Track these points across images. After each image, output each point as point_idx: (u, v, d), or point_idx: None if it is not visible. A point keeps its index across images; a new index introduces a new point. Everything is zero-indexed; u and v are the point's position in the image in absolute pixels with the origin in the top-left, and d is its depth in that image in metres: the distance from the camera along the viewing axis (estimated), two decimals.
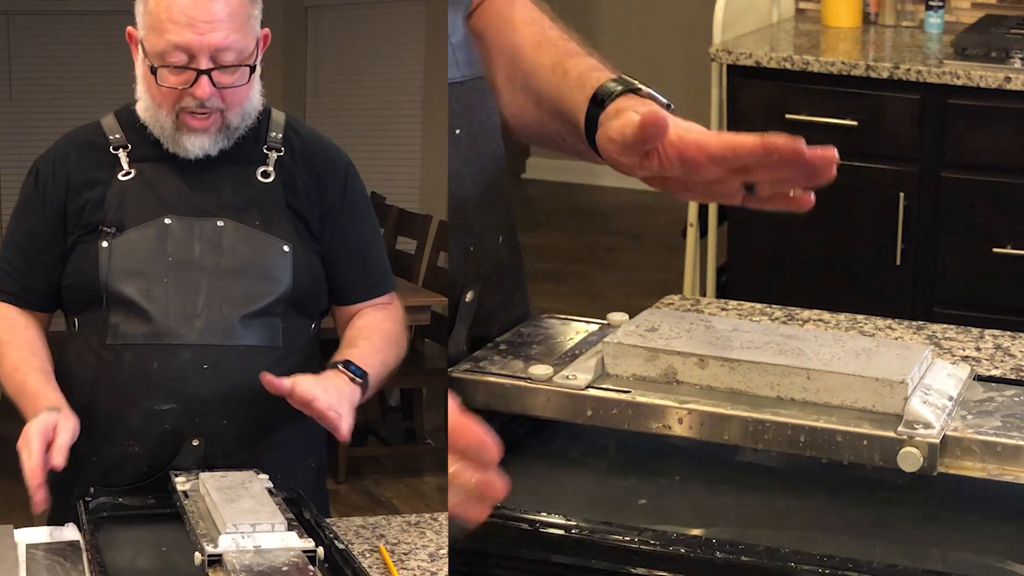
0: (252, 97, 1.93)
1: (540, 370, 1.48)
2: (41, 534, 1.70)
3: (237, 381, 1.88)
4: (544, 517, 1.36)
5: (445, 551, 1.70)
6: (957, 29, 4.34)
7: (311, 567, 1.52)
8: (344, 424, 1.79)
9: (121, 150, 1.93)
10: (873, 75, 4.06)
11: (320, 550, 1.56)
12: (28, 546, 1.65)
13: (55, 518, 1.97)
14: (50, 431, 1.76)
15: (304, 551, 1.55)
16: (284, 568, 1.51)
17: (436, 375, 4.88)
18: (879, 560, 1.30)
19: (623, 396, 1.45)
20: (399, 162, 6.40)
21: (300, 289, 1.93)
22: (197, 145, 1.89)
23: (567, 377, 1.47)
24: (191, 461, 1.85)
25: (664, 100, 1.60)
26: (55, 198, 1.94)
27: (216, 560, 1.54)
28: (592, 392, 1.46)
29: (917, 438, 1.35)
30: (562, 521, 1.35)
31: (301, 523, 1.74)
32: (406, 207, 5.69)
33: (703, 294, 4.40)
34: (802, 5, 4.75)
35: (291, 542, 1.56)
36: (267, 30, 1.95)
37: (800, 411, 1.40)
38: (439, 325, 4.82)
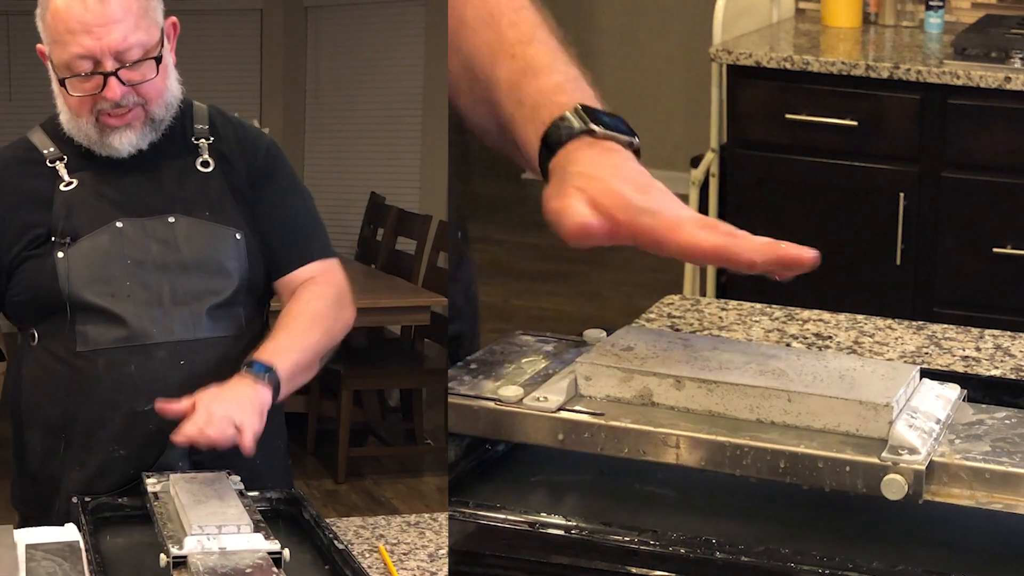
0: (170, 87, 1.94)
1: (510, 391, 1.43)
2: (41, 534, 1.70)
3: (212, 373, 1.89)
4: (544, 517, 1.36)
5: (445, 551, 1.70)
6: (957, 29, 4.34)
7: (275, 569, 1.52)
8: (247, 435, 1.78)
9: (58, 162, 1.94)
10: (873, 75, 4.06)
11: (286, 552, 1.57)
12: (28, 546, 1.65)
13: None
14: None
15: (269, 552, 1.55)
16: (248, 570, 1.51)
17: (436, 375, 4.88)
18: (879, 560, 1.29)
19: (595, 419, 1.40)
20: (399, 162, 6.39)
21: (254, 274, 1.95)
22: (125, 142, 1.90)
23: (538, 399, 1.42)
24: (177, 457, 1.86)
25: (625, 137, 1.42)
26: None
27: (181, 562, 1.54)
28: (563, 415, 1.41)
29: (902, 464, 1.30)
30: (562, 521, 1.35)
31: (300, 524, 1.74)
32: (406, 207, 5.69)
33: (703, 294, 4.40)
34: (802, 5, 4.74)
35: (256, 544, 1.56)
36: (174, 19, 1.95)
37: (780, 435, 1.36)
38: (439, 325, 4.82)
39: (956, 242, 4.09)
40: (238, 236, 1.93)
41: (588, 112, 1.43)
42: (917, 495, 1.30)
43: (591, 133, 1.41)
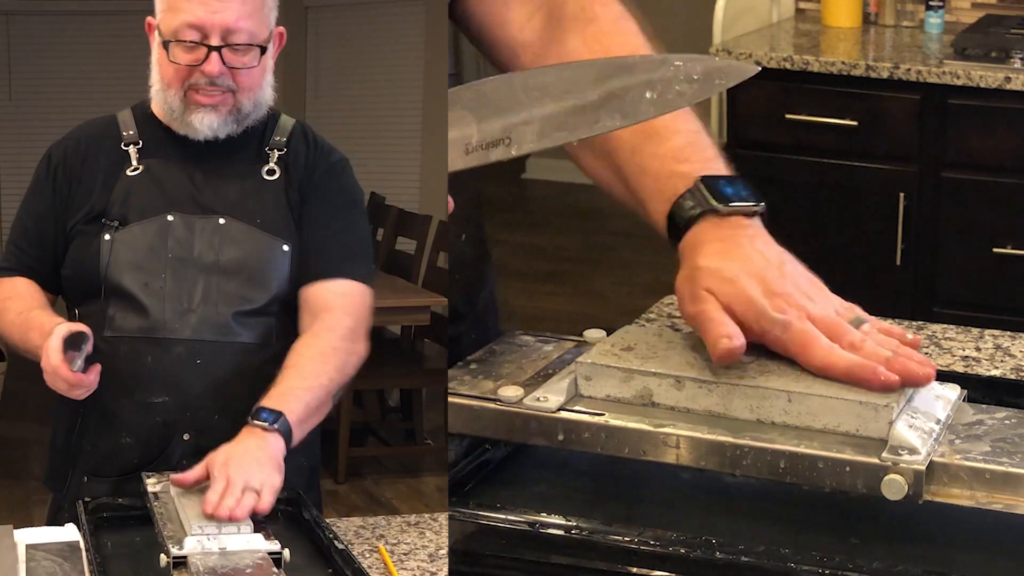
0: (265, 87, 1.96)
1: (510, 391, 1.44)
2: (41, 534, 1.70)
3: (230, 378, 1.89)
4: (544, 517, 1.36)
5: (445, 551, 1.70)
6: (957, 29, 4.34)
7: (275, 569, 1.52)
8: (263, 500, 1.68)
9: (132, 146, 1.95)
10: (873, 75, 4.06)
11: (286, 552, 1.56)
12: (28, 546, 1.65)
13: (53, 508, 1.99)
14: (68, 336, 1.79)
15: (269, 553, 1.55)
16: (248, 570, 1.51)
17: (436, 375, 4.88)
18: (879, 560, 1.29)
19: (595, 419, 1.40)
20: (399, 162, 6.39)
21: (296, 289, 1.94)
22: (206, 123, 1.91)
23: (538, 399, 1.43)
24: (181, 455, 1.86)
25: (749, 207, 1.46)
26: (62, 185, 1.96)
27: (181, 562, 1.54)
28: (563, 415, 1.41)
29: (902, 464, 1.30)
30: (562, 521, 1.35)
31: (300, 524, 1.74)
32: (406, 207, 5.69)
33: None
34: (802, 5, 4.75)
35: (256, 544, 1.56)
36: (282, 29, 1.99)
37: (780, 435, 1.36)
38: (439, 325, 4.82)
39: (956, 242, 4.09)
40: (285, 248, 1.93)
41: (709, 187, 1.46)
42: (917, 495, 1.30)
43: (714, 212, 1.45)
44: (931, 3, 4.45)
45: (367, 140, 6.49)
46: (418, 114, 6.28)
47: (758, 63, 4.17)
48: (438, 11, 5.99)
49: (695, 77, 1.27)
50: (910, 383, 1.37)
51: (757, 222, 1.49)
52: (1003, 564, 1.32)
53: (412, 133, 6.35)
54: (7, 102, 6.63)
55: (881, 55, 4.22)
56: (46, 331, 1.83)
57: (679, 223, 1.48)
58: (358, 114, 6.58)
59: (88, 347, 1.81)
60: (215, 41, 1.88)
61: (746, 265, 1.43)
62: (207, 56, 1.88)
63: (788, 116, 4.17)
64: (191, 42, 1.88)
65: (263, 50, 1.92)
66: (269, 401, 1.81)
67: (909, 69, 4.03)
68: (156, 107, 1.95)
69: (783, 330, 1.39)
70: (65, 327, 1.81)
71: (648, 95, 1.25)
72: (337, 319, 1.93)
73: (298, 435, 1.82)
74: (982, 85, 3.95)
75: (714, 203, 1.47)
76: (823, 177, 4.17)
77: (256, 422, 1.79)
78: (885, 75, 4.05)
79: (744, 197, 1.48)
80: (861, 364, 1.36)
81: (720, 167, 1.52)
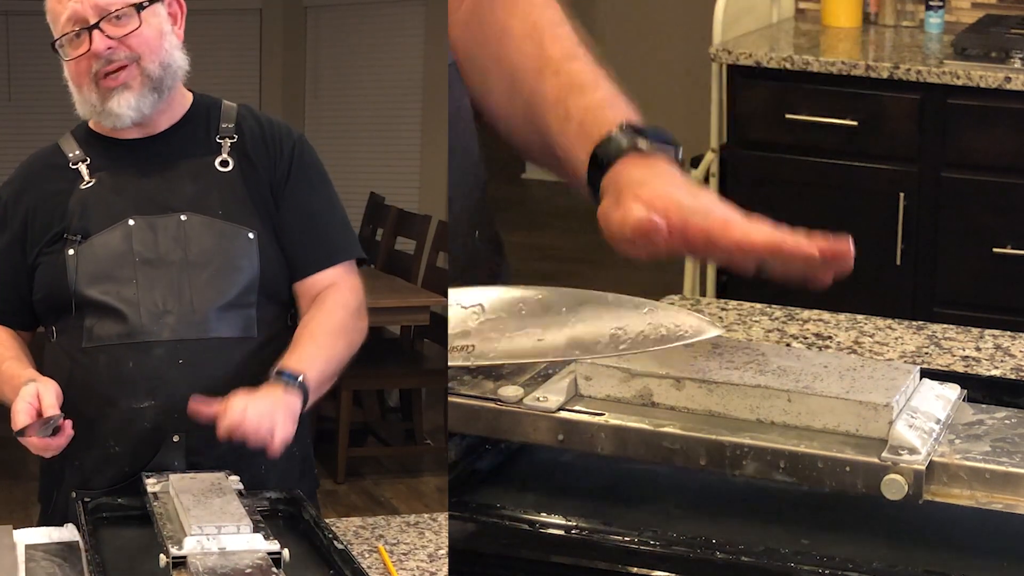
0: (168, 50, 1.95)
1: (510, 391, 1.44)
2: (41, 534, 1.70)
3: (214, 374, 1.89)
4: (544, 517, 1.36)
5: (445, 551, 1.70)
6: (957, 29, 4.34)
7: (275, 569, 1.52)
8: (277, 438, 1.77)
9: (81, 164, 1.97)
10: (873, 75, 4.06)
11: (285, 552, 1.56)
12: (28, 547, 1.65)
13: (41, 524, 1.98)
14: (34, 398, 1.79)
15: (269, 553, 1.55)
16: (247, 571, 1.51)
17: (436, 375, 4.88)
18: (879, 560, 1.29)
19: (595, 419, 1.40)
20: (399, 162, 6.39)
21: (269, 275, 1.94)
22: (124, 104, 1.92)
23: (538, 399, 1.43)
24: (173, 457, 1.86)
25: (670, 148, 1.48)
26: (16, 223, 1.97)
27: (181, 562, 1.54)
28: (563, 415, 1.41)
29: (902, 464, 1.30)
30: (562, 521, 1.35)
31: (300, 524, 1.74)
32: (406, 207, 5.69)
33: (703, 294, 4.40)
34: (802, 5, 4.74)
35: (256, 544, 1.56)
36: None
37: (780, 435, 1.36)
38: (438, 325, 4.82)
39: (956, 242, 4.09)
40: (251, 236, 1.93)
41: (633, 129, 1.48)
42: (917, 495, 1.30)
43: (638, 150, 1.46)
44: (931, 3, 4.45)
45: (367, 140, 6.49)
46: (418, 114, 6.28)
47: (758, 63, 4.18)
48: (438, 11, 6.00)
49: (661, 334, 1.41)
50: (834, 256, 1.40)
51: (677, 168, 1.49)
52: (1003, 564, 1.32)
53: (412, 133, 6.35)
54: (7, 102, 6.63)
55: (881, 55, 4.22)
56: (15, 386, 1.83)
57: (603, 160, 1.48)
58: (358, 114, 6.58)
59: (58, 421, 1.80)
60: (92, 21, 1.89)
61: (670, 179, 1.44)
62: (90, 38, 1.89)
63: (788, 116, 4.17)
64: (73, 33, 1.89)
65: (139, 7, 1.91)
66: (288, 363, 1.85)
67: (909, 69, 4.02)
68: (82, 113, 1.96)
69: (704, 216, 1.37)
70: (33, 388, 1.81)
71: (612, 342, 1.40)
72: (345, 297, 1.97)
73: (312, 399, 1.86)
74: (982, 85, 3.95)
75: (639, 142, 1.47)
76: (823, 177, 4.17)
77: (278, 379, 1.82)
78: (885, 75, 4.05)
79: (665, 139, 1.48)
80: (782, 235, 1.35)
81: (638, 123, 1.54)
